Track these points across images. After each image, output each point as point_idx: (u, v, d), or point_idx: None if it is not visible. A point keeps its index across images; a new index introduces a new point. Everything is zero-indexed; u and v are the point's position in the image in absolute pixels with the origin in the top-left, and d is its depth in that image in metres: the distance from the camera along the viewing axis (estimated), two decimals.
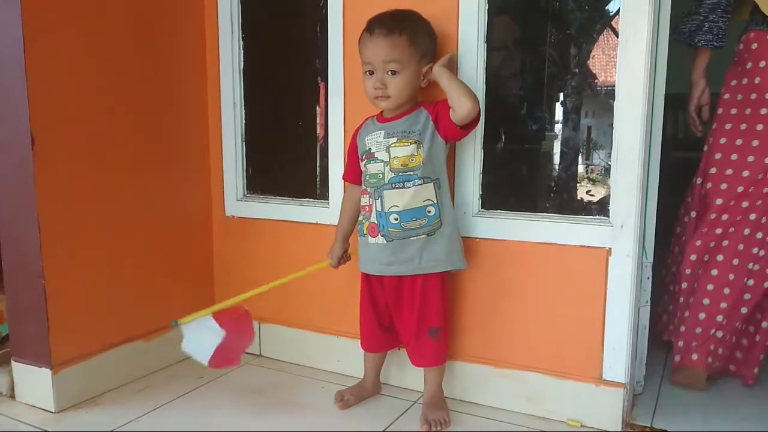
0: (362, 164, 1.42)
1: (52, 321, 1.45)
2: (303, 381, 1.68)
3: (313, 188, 1.82)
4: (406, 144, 1.35)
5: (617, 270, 1.35)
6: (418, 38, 1.35)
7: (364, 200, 1.42)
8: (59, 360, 1.48)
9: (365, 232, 1.42)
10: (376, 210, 1.38)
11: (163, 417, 1.47)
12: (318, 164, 1.89)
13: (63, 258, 1.47)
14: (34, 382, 1.49)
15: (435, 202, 1.36)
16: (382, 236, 1.38)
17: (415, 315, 1.40)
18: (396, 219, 1.35)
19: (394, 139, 1.36)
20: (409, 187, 1.34)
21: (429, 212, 1.36)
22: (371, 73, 1.35)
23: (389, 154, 1.36)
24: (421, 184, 1.35)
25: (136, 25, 1.61)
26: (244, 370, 1.75)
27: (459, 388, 1.55)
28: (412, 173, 1.34)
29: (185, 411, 1.50)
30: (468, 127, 1.34)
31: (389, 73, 1.33)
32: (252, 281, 1.83)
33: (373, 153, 1.39)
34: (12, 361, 1.54)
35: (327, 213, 1.67)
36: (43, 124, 1.40)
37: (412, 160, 1.34)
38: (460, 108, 1.29)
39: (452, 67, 1.39)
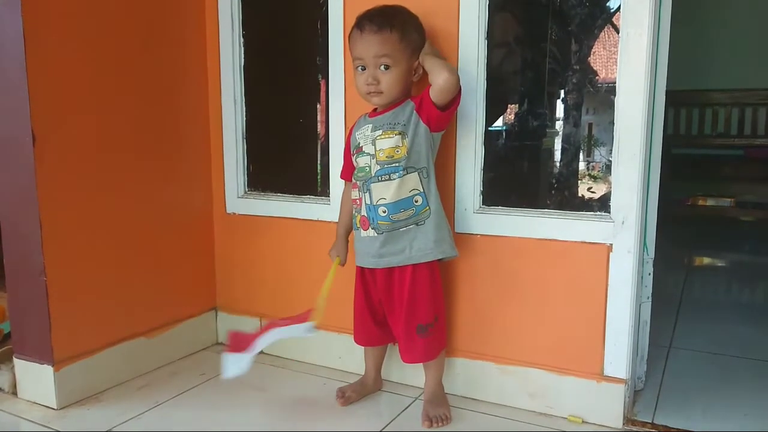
0: (353, 159, 1.43)
1: (54, 318, 1.46)
2: (304, 377, 1.68)
3: (314, 185, 1.82)
4: (391, 135, 1.35)
5: (618, 266, 1.35)
6: (409, 34, 1.35)
7: (354, 194, 1.43)
8: (61, 357, 1.48)
9: (358, 226, 1.42)
10: (366, 203, 1.38)
11: (164, 414, 1.47)
12: (319, 161, 1.89)
13: (65, 255, 1.47)
14: (36, 379, 1.50)
15: (422, 191, 1.36)
16: (372, 229, 1.38)
17: (404, 310, 1.39)
18: (384, 212, 1.36)
19: (380, 132, 1.37)
20: (394, 179, 1.34)
21: (416, 201, 1.36)
22: (363, 68, 1.35)
23: (375, 147, 1.37)
24: (406, 174, 1.35)
25: (137, 23, 1.61)
26: None
27: (460, 384, 1.55)
28: (397, 164, 1.34)
29: (187, 408, 1.50)
30: (448, 107, 1.32)
31: (382, 68, 1.33)
32: (253, 278, 1.85)
33: (361, 147, 1.40)
34: (14, 358, 1.54)
35: (328, 210, 1.67)
36: (44, 122, 1.40)
37: (398, 151, 1.34)
38: (437, 79, 1.28)
39: (435, 53, 1.38)
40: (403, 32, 1.34)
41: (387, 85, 1.34)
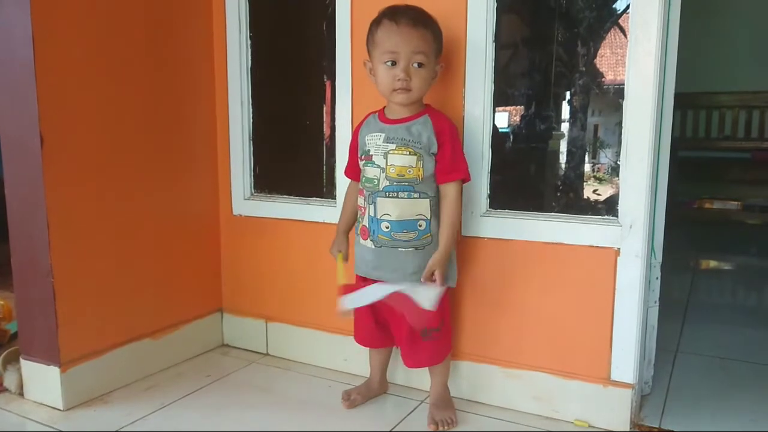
0: (360, 164, 1.40)
1: (61, 319, 1.46)
2: (310, 380, 1.68)
3: (320, 187, 1.82)
4: (404, 153, 1.32)
5: (626, 270, 1.34)
6: (438, 35, 1.34)
7: (360, 201, 1.41)
8: (68, 358, 1.48)
9: (358, 233, 1.42)
10: (369, 215, 1.37)
11: (170, 415, 1.47)
12: (325, 163, 1.89)
13: (72, 256, 1.48)
14: (42, 380, 1.50)
15: (428, 218, 1.34)
16: (371, 240, 1.37)
17: (406, 320, 1.38)
18: (387, 227, 1.34)
19: (393, 146, 1.33)
20: (402, 198, 1.33)
21: (420, 226, 1.34)
22: (393, 63, 1.29)
23: (386, 161, 1.33)
24: (416, 198, 1.33)
25: (145, 25, 1.61)
26: (251, 369, 1.75)
27: (466, 387, 1.54)
28: (407, 184, 1.32)
29: (192, 409, 1.50)
30: None
31: (415, 65, 1.29)
32: (259, 280, 1.85)
33: (371, 156, 1.36)
34: (21, 359, 1.55)
35: (334, 212, 1.67)
36: (52, 124, 1.41)
37: (410, 171, 1.32)
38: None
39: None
40: (435, 33, 1.32)
41: (417, 84, 1.30)
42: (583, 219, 1.40)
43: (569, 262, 1.40)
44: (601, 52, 1.65)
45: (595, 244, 1.37)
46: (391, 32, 1.29)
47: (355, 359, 1.67)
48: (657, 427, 1.40)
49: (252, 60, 1.80)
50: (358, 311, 1.49)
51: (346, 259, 1.50)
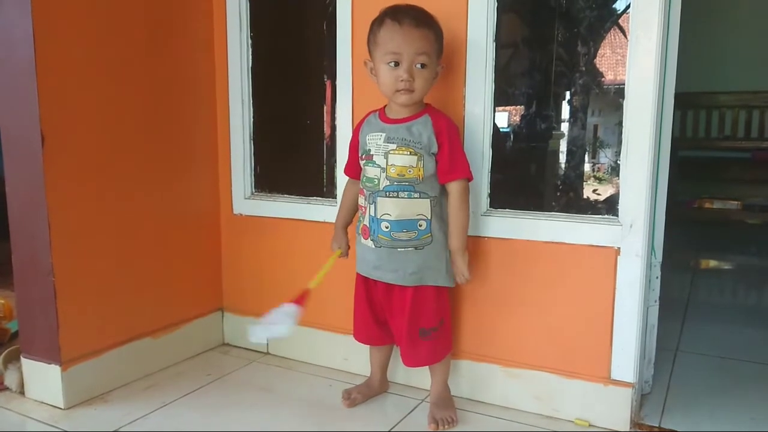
0: (361, 163, 1.40)
1: (62, 318, 1.46)
2: (310, 379, 1.69)
3: (321, 187, 1.83)
4: (404, 152, 1.32)
5: (626, 269, 1.34)
6: (439, 35, 1.33)
7: (361, 200, 1.41)
8: (68, 357, 1.48)
9: (359, 232, 1.42)
10: (370, 214, 1.37)
11: (170, 414, 1.47)
12: (325, 163, 1.89)
13: (73, 256, 1.48)
14: (43, 379, 1.50)
15: (428, 218, 1.34)
16: (371, 240, 1.37)
17: (405, 319, 1.39)
18: (387, 227, 1.34)
19: (393, 146, 1.33)
20: (403, 197, 1.33)
21: (420, 226, 1.34)
22: (396, 64, 1.29)
23: (387, 161, 1.33)
24: (417, 198, 1.33)
25: (146, 24, 1.61)
26: (252, 368, 1.75)
27: (467, 387, 1.55)
28: (407, 184, 1.32)
29: (193, 408, 1.50)
30: None
31: (418, 66, 1.29)
32: (260, 279, 1.85)
33: (372, 155, 1.36)
34: (22, 358, 1.55)
35: (334, 212, 1.66)
36: (53, 123, 1.41)
37: (410, 171, 1.32)
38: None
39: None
40: (437, 34, 1.32)
41: (420, 85, 1.30)
42: (583, 218, 1.40)
43: (569, 261, 1.40)
44: (601, 51, 1.65)
45: (595, 244, 1.37)
46: (394, 32, 1.28)
47: (355, 358, 1.67)
48: (657, 426, 1.40)
49: (253, 59, 1.80)
50: (358, 310, 1.49)
51: (345, 254, 1.50)
